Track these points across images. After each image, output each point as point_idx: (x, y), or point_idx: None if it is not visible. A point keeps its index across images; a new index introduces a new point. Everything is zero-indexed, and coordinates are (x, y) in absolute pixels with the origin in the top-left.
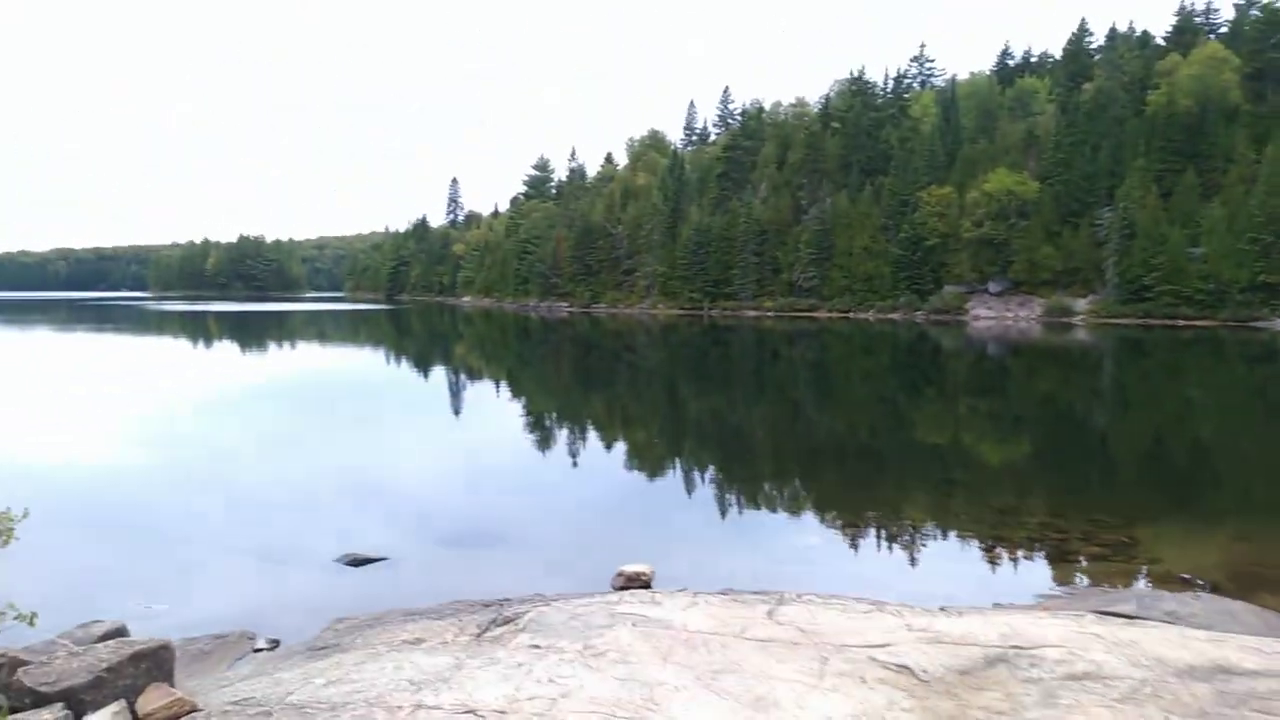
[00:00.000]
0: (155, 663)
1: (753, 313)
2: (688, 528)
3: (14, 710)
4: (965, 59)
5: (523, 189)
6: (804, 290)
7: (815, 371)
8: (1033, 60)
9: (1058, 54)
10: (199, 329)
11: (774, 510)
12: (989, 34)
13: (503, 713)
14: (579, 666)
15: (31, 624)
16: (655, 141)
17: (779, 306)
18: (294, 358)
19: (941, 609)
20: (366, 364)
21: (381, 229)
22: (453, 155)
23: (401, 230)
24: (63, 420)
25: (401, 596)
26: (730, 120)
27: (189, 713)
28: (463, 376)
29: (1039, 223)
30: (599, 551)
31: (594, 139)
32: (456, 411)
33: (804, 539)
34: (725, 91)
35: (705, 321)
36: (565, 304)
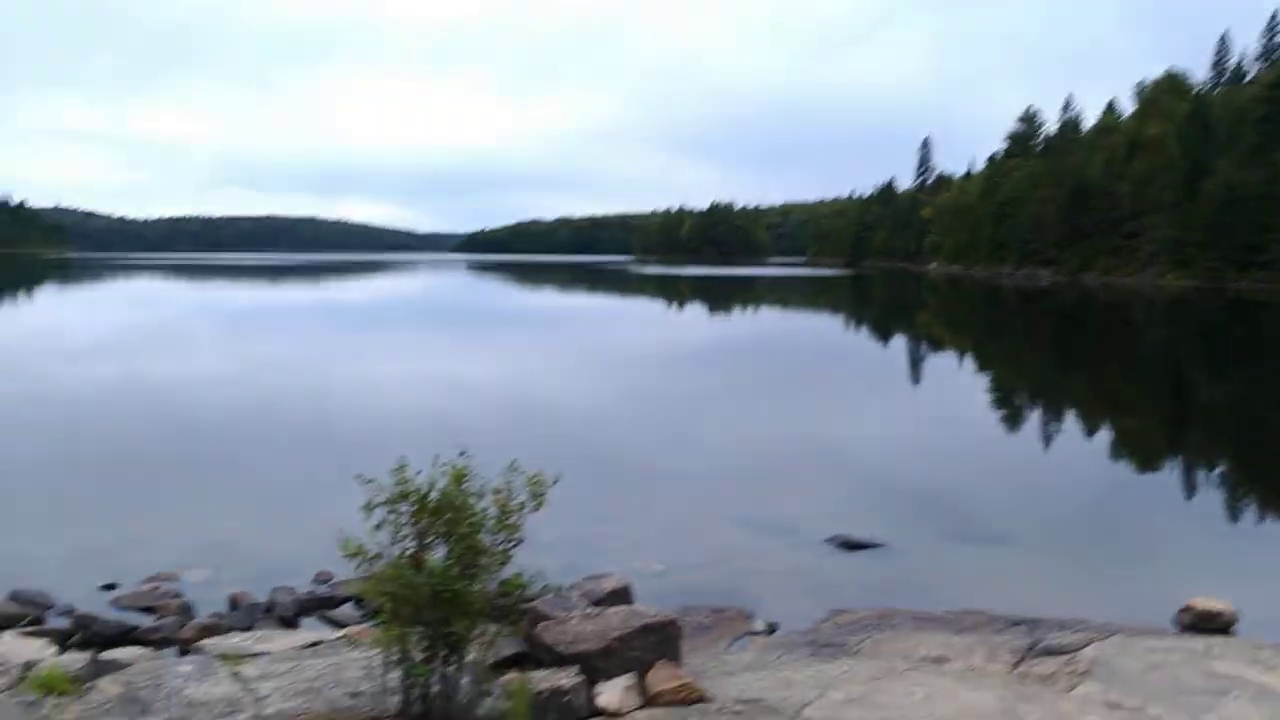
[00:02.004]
0: (662, 638)
1: None
2: (1263, 552)
3: (538, 664)
4: None
5: (1002, 146)
6: None
7: None
8: None
9: None
10: (672, 290)
11: None
12: None
13: None
14: None
15: (558, 594)
16: (1172, 84)
17: None
18: (758, 321)
19: None
20: (828, 330)
21: (845, 194)
22: (921, 117)
23: (866, 195)
24: (557, 374)
25: (903, 594)
26: (1276, 53)
27: (696, 700)
28: (931, 348)
29: None
30: (1138, 567)
31: (1092, 86)
32: (928, 386)
33: None
34: (1273, 18)
35: (1228, 295)
36: (1046, 272)
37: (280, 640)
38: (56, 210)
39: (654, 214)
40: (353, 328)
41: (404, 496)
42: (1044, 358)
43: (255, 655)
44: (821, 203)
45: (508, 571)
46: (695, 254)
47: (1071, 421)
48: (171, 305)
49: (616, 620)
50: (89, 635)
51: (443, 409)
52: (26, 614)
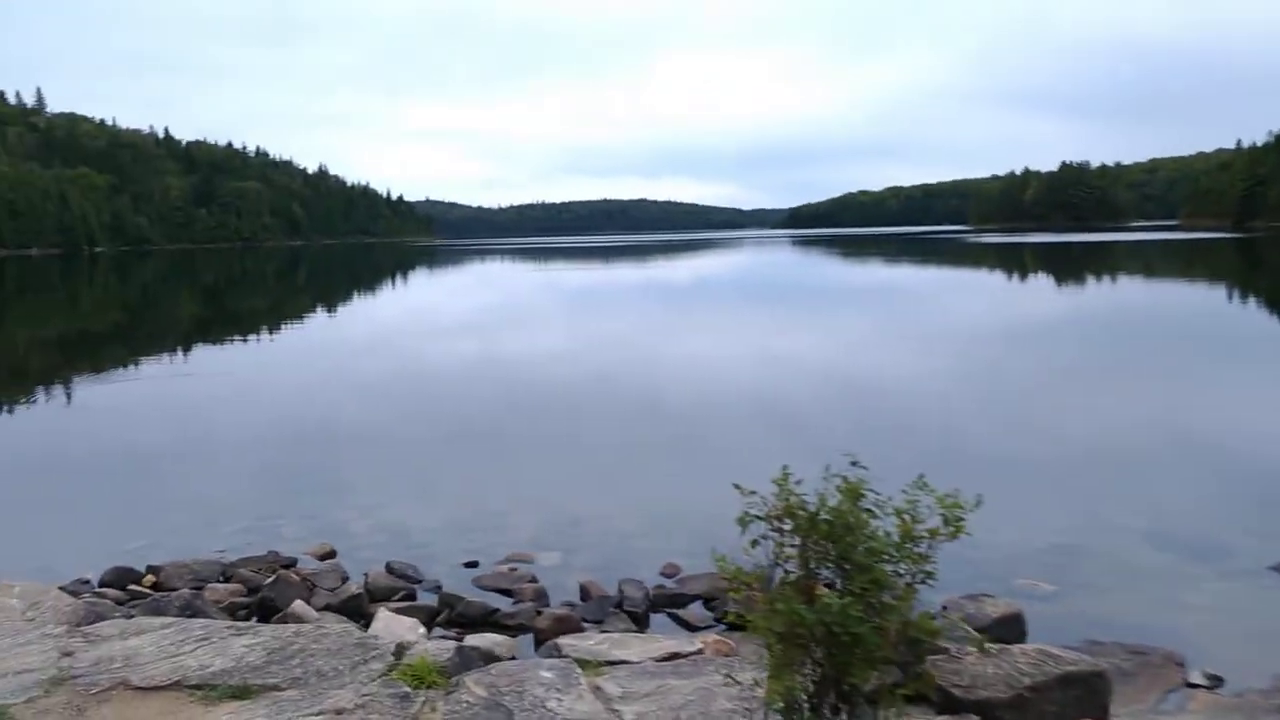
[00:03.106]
0: (1088, 691)
1: None
2: None
3: (918, 700)
4: None
5: None
6: None
7: None
8: None
9: None
10: (1013, 260)
11: None
12: None
13: None
14: None
15: (983, 649)
16: None
17: None
18: (1126, 293)
19: None
20: (1219, 305)
21: (1229, 144)
22: None
23: (1260, 144)
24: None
25: None
26: None
27: None
28: None
29: None
30: None
31: None
32: None
33: None
34: None
35: None
36: None
37: (637, 647)
38: (426, 203)
39: (994, 179)
40: (682, 304)
41: (789, 513)
42: None
43: (614, 664)
44: (1199, 155)
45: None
46: (1041, 220)
47: None
48: (516, 285)
49: (1025, 663)
50: (453, 615)
51: (786, 391)
52: (399, 588)
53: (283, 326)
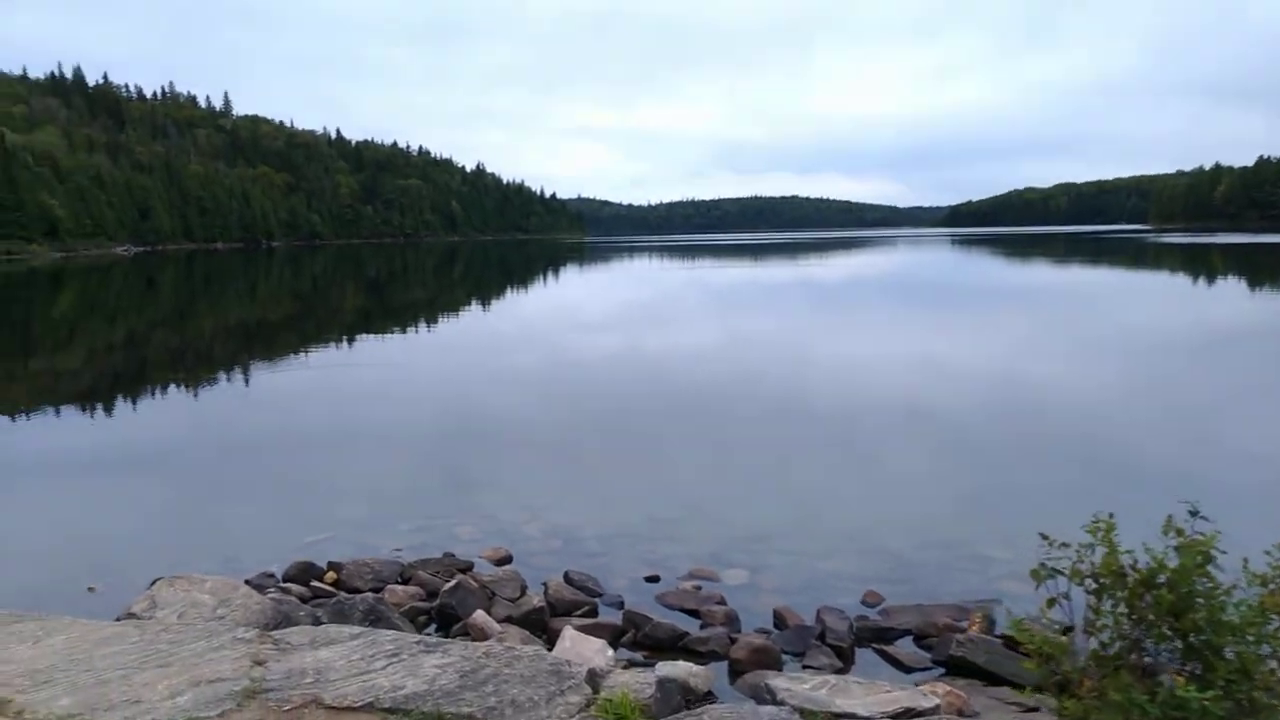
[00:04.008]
0: None
1: None
2: None
3: None
4: None
5: None
6: None
7: None
8: None
9: None
10: (1205, 262)
11: None
12: None
13: None
14: None
15: None
16: None
17: None
18: None
19: None
20: None
21: None
22: None
23: None
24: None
25: None
26: None
27: None
28: None
29: None
30: None
31: None
32: None
33: None
34: None
35: None
36: None
37: (861, 695)
38: (578, 200)
39: (1178, 174)
40: (843, 304)
41: (1110, 572)
42: None
43: (840, 718)
44: None
45: None
46: (1233, 220)
47: None
48: (663, 282)
49: None
50: (640, 636)
51: (971, 402)
52: (581, 602)
53: (440, 319)
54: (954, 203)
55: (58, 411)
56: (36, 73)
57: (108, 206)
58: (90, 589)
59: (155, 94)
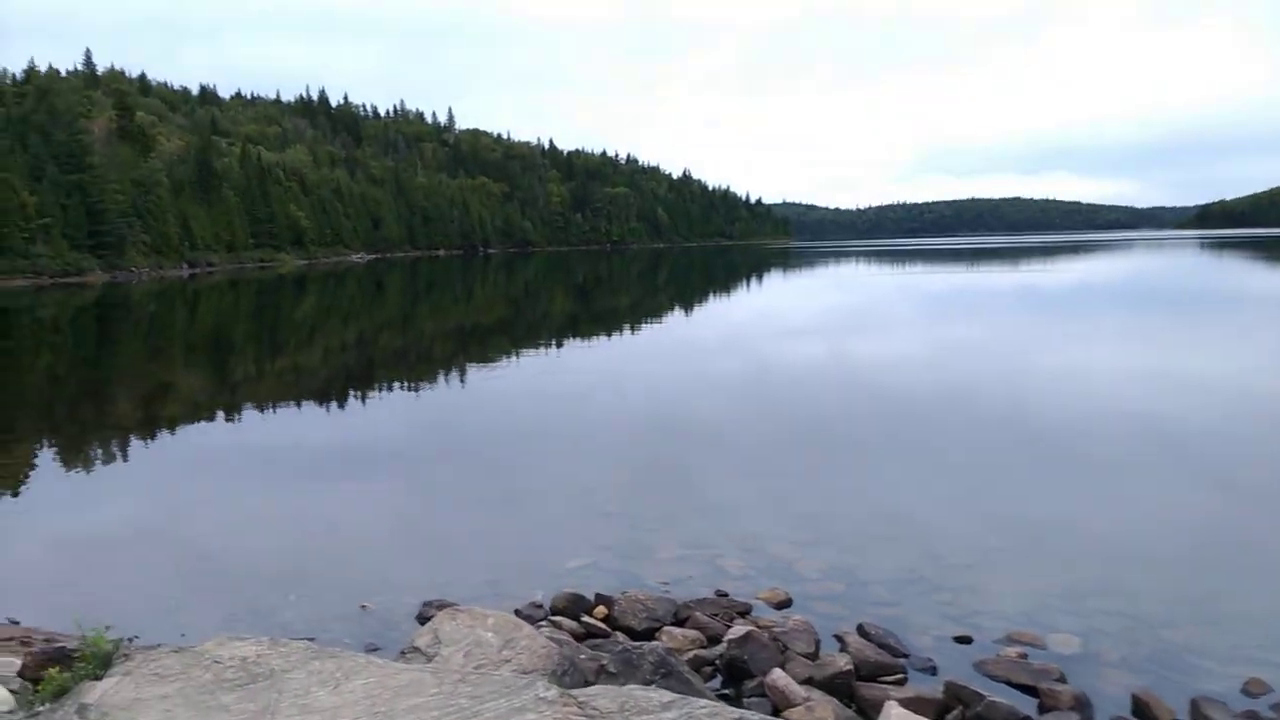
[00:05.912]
0: None
1: None
2: None
3: None
4: None
5: None
6: None
7: None
8: None
9: None
10: None
11: None
12: None
13: None
14: None
15: None
16: None
17: None
18: None
19: None
20: None
21: None
22: None
23: None
24: None
25: None
26: None
27: None
28: None
29: None
30: None
31: None
32: None
33: None
34: None
35: None
36: None
37: None
38: (783, 205)
39: None
40: (1084, 315)
41: None
42: None
43: None
44: None
45: None
46: None
47: None
48: (868, 288)
49: None
50: (970, 715)
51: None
52: (888, 665)
53: (644, 324)
54: (1203, 202)
55: (299, 406)
56: (289, 96)
57: (345, 217)
58: (363, 606)
59: (388, 111)
